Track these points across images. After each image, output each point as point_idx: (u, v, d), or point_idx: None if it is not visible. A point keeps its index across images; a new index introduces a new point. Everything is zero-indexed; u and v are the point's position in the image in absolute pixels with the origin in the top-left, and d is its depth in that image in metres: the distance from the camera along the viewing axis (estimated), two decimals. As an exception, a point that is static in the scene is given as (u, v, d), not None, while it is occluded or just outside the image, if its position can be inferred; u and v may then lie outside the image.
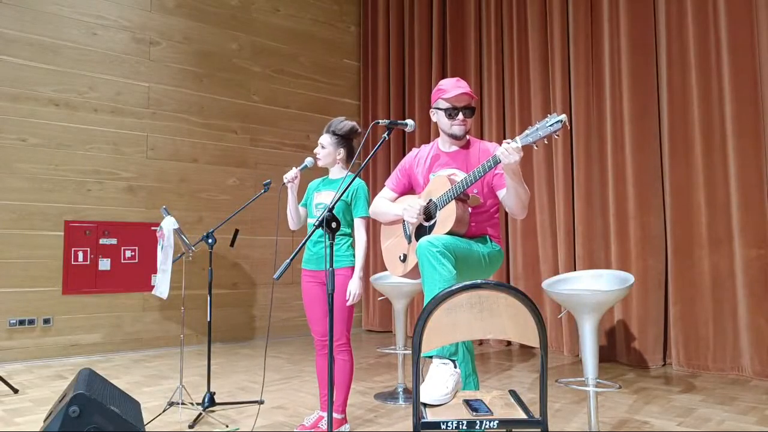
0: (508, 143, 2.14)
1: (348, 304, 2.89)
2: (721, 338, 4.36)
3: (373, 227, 6.97)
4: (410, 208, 2.46)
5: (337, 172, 3.09)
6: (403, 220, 2.60)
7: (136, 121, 5.81)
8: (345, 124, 3.06)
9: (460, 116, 2.49)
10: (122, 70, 5.76)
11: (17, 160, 5.17)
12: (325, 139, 3.05)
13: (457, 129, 2.51)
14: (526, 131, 2.16)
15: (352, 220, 3.02)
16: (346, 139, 3.07)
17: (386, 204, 2.70)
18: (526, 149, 5.71)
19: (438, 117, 2.56)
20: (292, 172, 3.04)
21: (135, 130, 5.80)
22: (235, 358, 5.26)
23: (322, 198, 3.05)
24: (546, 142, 2.15)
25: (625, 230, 4.85)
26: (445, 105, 2.51)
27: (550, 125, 2.09)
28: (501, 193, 2.46)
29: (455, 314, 1.74)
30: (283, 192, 3.17)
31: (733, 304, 4.31)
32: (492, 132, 6.01)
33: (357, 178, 2.98)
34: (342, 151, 3.06)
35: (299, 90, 6.99)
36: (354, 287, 2.89)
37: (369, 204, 2.98)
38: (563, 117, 2.07)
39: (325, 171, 3.15)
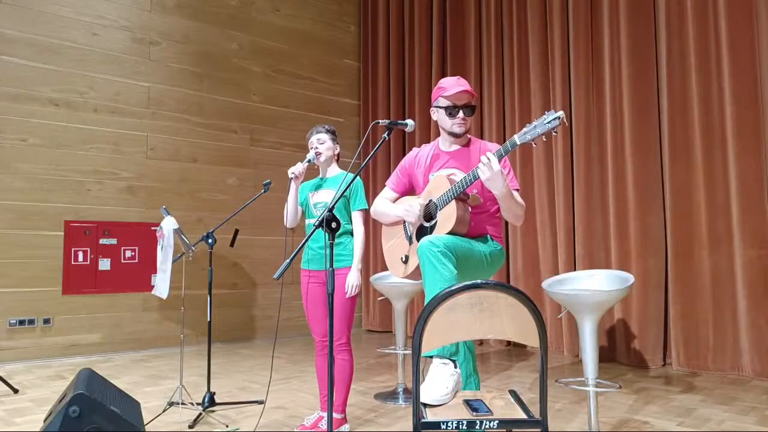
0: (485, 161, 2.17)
1: (347, 296, 2.90)
2: (721, 338, 4.36)
3: (374, 227, 6.97)
4: (410, 210, 2.47)
5: (332, 170, 3.12)
6: (404, 221, 2.60)
7: (136, 121, 5.81)
8: (330, 125, 3.20)
9: (461, 114, 2.49)
10: (122, 70, 5.76)
11: (17, 160, 5.17)
12: (324, 136, 3.10)
13: (457, 127, 2.51)
14: (524, 129, 2.16)
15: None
16: (337, 137, 3.16)
17: (387, 205, 2.70)
18: (525, 147, 5.71)
19: (438, 115, 2.56)
20: (300, 166, 3.04)
21: (135, 130, 5.80)
22: (235, 358, 5.26)
23: (321, 197, 3.06)
24: (545, 139, 2.15)
25: (625, 230, 4.85)
26: (445, 103, 2.51)
27: (548, 122, 2.08)
28: None
29: (455, 314, 1.74)
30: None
31: (733, 304, 4.30)
32: (492, 132, 6.01)
33: (350, 174, 3.00)
34: (337, 148, 3.14)
35: (299, 90, 6.98)
36: (353, 279, 2.90)
37: (366, 198, 3.02)
38: (561, 114, 2.06)
39: (314, 173, 3.15)
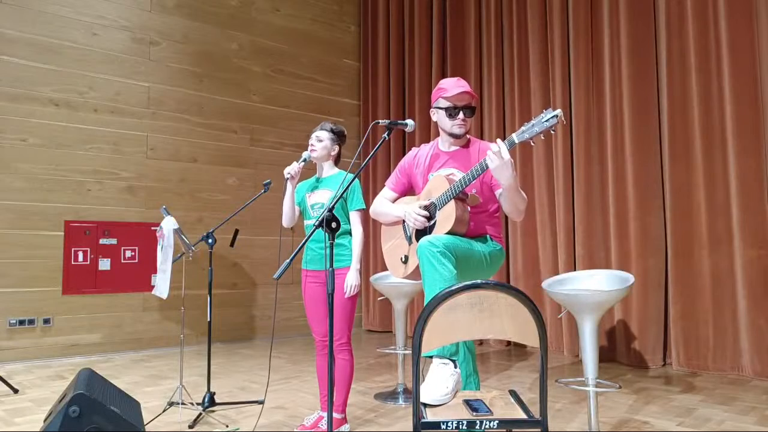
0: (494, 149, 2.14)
1: (346, 296, 2.90)
2: (721, 338, 4.36)
3: (374, 227, 6.97)
4: (411, 214, 2.45)
5: (329, 170, 3.10)
6: (404, 222, 2.60)
7: (136, 121, 5.81)
8: (339, 125, 3.14)
9: (461, 115, 2.49)
10: (122, 70, 5.76)
11: (17, 160, 5.17)
12: (323, 135, 3.07)
13: (457, 128, 2.50)
14: (522, 128, 2.16)
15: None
16: (340, 138, 3.11)
17: (387, 205, 2.70)
18: (525, 147, 5.71)
19: (438, 116, 2.56)
20: (295, 166, 3.03)
21: (135, 130, 5.80)
22: (235, 358, 5.26)
23: (318, 198, 3.05)
24: (543, 137, 2.15)
25: (625, 230, 4.85)
26: (445, 104, 2.50)
27: (546, 120, 2.08)
28: (498, 192, 2.45)
29: (455, 314, 1.74)
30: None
31: (733, 304, 4.30)
32: (492, 132, 6.01)
33: (349, 174, 2.99)
34: (336, 149, 3.10)
35: (299, 90, 6.98)
36: (351, 279, 2.90)
37: (364, 198, 3.02)
38: (559, 112, 2.06)
39: (311, 172, 3.14)
